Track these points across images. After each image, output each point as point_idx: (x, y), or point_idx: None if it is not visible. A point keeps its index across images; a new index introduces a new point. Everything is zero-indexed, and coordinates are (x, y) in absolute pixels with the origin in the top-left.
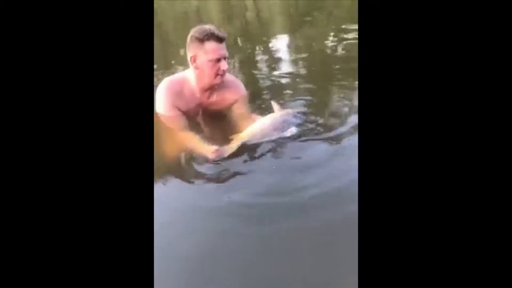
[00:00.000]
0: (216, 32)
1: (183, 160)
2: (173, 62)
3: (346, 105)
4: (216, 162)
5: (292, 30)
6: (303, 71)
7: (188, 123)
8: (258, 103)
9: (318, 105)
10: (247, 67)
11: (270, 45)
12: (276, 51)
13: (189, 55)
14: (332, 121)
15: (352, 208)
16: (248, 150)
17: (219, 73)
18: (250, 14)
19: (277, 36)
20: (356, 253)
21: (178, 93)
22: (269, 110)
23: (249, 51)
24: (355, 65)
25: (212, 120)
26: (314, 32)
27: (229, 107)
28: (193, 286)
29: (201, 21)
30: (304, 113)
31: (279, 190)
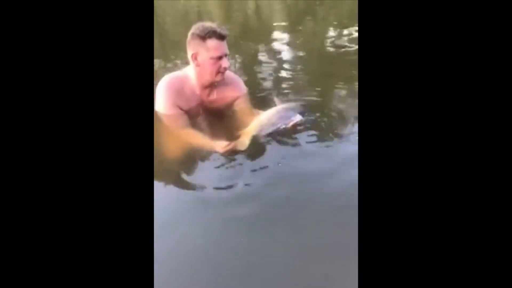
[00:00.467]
0: (218, 30)
1: (187, 158)
2: (172, 56)
3: (347, 104)
4: (229, 156)
5: (293, 29)
6: (303, 70)
7: (190, 122)
8: (259, 100)
9: (319, 104)
10: (247, 66)
11: (271, 44)
12: (276, 50)
13: (190, 53)
14: (333, 120)
15: (352, 208)
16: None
17: (220, 71)
18: (250, 13)
19: (277, 35)
20: (356, 253)
21: (178, 90)
22: (271, 106)
23: (249, 49)
24: (355, 64)
25: (214, 119)
26: (314, 30)
27: (231, 104)
28: None
29: (201, 19)
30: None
31: (279, 192)
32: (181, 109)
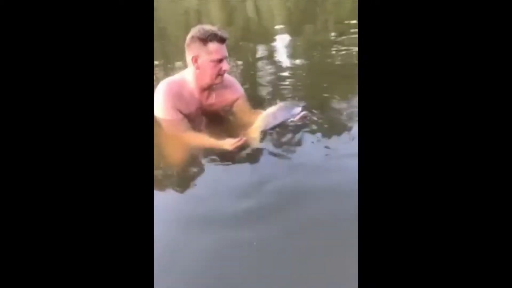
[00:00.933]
0: (219, 33)
1: (193, 162)
2: (174, 60)
3: (347, 106)
4: (239, 153)
5: (293, 30)
6: (304, 72)
7: (190, 125)
8: (259, 103)
9: (319, 106)
10: (247, 68)
11: (271, 45)
12: (276, 51)
13: (190, 56)
14: (332, 122)
15: (352, 208)
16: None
17: (220, 73)
18: (250, 14)
19: (277, 36)
20: (356, 253)
21: (178, 94)
22: (272, 105)
23: (249, 51)
24: (355, 66)
25: (215, 121)
26: (315, 32)
27: (230, 106)
28: None
29: (200, 22)
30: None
31: (279, 195)
32: (181, 113)
